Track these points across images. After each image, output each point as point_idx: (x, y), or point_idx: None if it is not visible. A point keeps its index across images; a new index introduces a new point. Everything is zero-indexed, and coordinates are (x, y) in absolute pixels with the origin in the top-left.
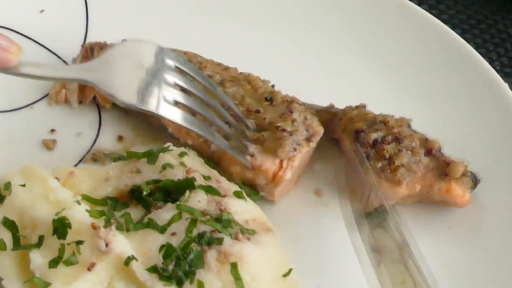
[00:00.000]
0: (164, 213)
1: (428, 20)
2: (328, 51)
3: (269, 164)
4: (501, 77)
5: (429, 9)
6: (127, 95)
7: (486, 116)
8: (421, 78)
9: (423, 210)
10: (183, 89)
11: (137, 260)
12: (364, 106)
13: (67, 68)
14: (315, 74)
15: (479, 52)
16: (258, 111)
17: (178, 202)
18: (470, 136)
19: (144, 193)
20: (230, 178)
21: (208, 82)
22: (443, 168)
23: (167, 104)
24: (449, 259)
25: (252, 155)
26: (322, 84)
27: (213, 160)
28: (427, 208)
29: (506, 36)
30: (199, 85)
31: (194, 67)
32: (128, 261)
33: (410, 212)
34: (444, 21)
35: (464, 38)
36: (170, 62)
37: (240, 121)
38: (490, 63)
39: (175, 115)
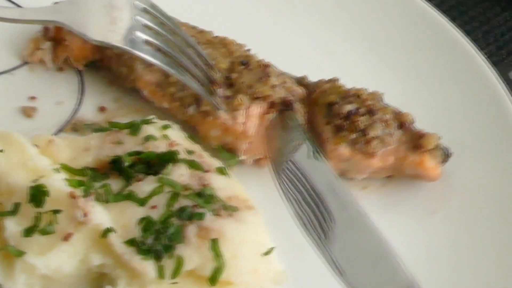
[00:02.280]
0: (145, 186)
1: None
2: (307, 24)
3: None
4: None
5: None
6: (97, 34)
7: (459, 93)
8: (397, 55)
9: (394, 188)
10: (152, 31)
11: (115, 232)
12: (337, 80)
13: (35, 10)
14: (291, 46)
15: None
16: (230, 75)
17: (159, 175)
18: (442, 113)
19: (125, 164)
20: (208, 143)
21: (177, 27)
22: (416, 140)
23: (136, 42)
24: (422, 237)
25: (220, 97)
26: (297, 56)
27: (190, 125)
28: (397, 185)
29: (496, 24)
30: (168, 28)
31: (162, 11)
32: (105, 233)
33: (380, 191)
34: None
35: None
36: (140, 5)
37: (208, 65)
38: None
39: (144, 53)
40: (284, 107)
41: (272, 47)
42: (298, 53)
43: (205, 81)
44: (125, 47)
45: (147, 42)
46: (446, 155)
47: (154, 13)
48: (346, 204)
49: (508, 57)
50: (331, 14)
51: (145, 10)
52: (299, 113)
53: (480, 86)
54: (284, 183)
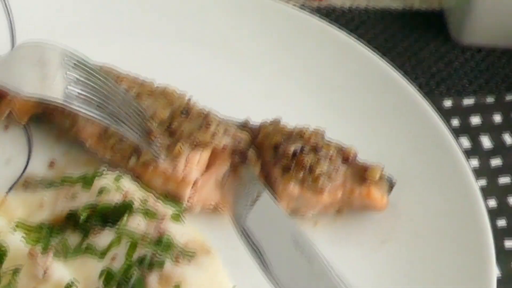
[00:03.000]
0: (102, 238)
1: (346, 42)
2: (249, 68)
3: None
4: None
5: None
6: (32, 88)
7: (396, 125)
8: (335, 93)
9: (344, 221)
10: (85, 84)
11: (77, 287)
12: (279, 121)
13: None
14: (234, 91)
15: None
16: (171, 125)
17: (116, 226)
18: (382, 144)
19: (81, 218)
20: (150, 192)
21: (109, 80)
22: (361, 173)
23: (70, 96)
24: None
25: (159, 148)
26: (240, 100)
27: (133, 175)
28: (346, 219)
29: (422, 58)
30: (100, 82)
31: (92, 65)
32: (68, 287)
33: (331, 226)
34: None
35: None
36: (71, 60)
37: (143, 115)
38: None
39: (79, 105)
40: (239, 159)
41: (214, 93)
42: (241, 97)
43: (142, 131)
44: (60, 100)
45: (81, 95)
46: (390, 184)
47: (84, 67)
48: (311, 258)
49: (438, 87)
50: (271, 58)
51: (75, 65)
52: (253, 161)
53: (415, 116)
54: (247, 239)
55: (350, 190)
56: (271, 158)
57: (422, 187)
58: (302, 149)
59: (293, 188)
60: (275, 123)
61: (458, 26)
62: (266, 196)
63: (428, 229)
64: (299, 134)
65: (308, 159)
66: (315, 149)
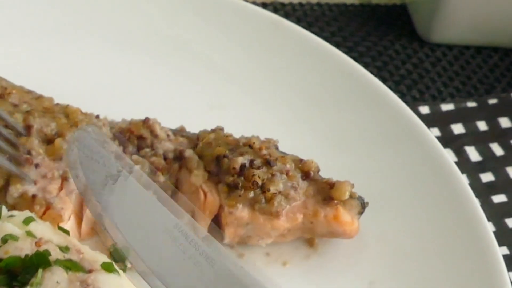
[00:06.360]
0: None
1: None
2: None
3: None
4: None
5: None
6: None
7: (367, 131)
8: (287, 99)
9: (320, 258)
10: None
11: None
12: (221, 129)
13: None
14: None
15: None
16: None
17: (28, 287)
18: (347, 157)
19: None
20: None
21: None
22: (326, 191)
23: None
24: None
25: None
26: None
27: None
28: (323, 254)
29: (388, 58)
30: None
31: None
32: None
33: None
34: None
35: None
36: None
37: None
38: None
39: None
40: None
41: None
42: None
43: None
44: None
45: None
46: (362, 205)
47: None
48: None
49: (410, 91)
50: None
51: None
52: (195, 163)
53: (392, 119)
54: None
55: (314, 212)
56: (213, 173)
57: (407, 209)
58: (251, 163)
59: (242, 211)
60: (217, 130)
61: (425, 22)
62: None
63: (425, 263)
64: (247, 144)
65: (260, 174)
66: (267, 163)
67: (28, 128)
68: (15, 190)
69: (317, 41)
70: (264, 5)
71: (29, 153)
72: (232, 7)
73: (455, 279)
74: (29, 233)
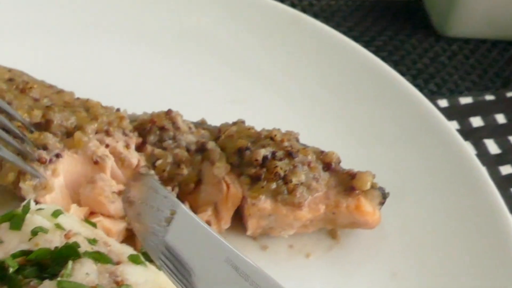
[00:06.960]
0: None
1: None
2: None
3: None
4: None
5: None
6: None
7: (387, 123)
8: (305, 91)
9: (342, 249)
10: None
11: None
12: (243, 122)
13: None
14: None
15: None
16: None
17: (58, 278)
18: (367, 149)
19: (11, 270)
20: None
21: None
22: (347, 182)
23: None
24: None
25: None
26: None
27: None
28: (346, 246)
29: (405, 53)
30: None
31: None
32: None
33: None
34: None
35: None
36: None
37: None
38: None
39: None
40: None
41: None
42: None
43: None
44: None
45: None
46: (383, 196)
47: None
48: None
49: (427, 85)
50: (224, 55)
51: None
52: (217, 155)
53: (412, 111)
54: (171, 263)
55: (336, 203)
56: (235, 165)
57: (428, 201)
58: (273, 155)
59: (264, 202)
60: (239, 123)
61: (441, 16)
62: (182, 211)
63: (446, 254)
64: (268, 137)
65: (282, 166)
66: (289, 154)
67: (48, 122)
68: (25, 186)
69: (336, 35)
70: (281, 1)
71: (44, 148)
72: (251, 2)
73: (476, 270)
74: (58, 226)
